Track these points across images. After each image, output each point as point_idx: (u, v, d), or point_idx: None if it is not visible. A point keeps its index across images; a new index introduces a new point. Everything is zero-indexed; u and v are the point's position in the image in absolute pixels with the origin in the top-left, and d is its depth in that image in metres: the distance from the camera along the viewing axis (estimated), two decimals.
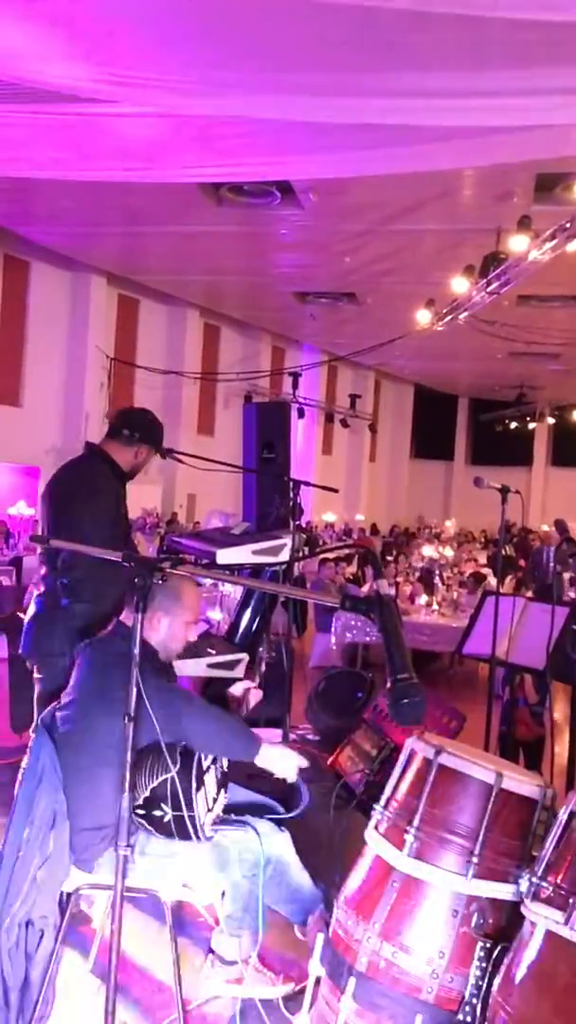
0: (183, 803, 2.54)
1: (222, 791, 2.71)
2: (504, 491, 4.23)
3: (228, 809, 2.77)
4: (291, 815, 3.07)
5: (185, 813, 2.54)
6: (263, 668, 3.23)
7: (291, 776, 2.75)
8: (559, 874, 1.90)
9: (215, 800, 2.68)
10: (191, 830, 2.56)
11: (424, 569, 11.24)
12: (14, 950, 2.51)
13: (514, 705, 5.27)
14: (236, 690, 3.18)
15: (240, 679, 4.51)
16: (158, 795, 2.53)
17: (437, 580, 10.09)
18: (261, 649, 3.31)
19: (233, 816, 2.76)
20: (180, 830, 2.57)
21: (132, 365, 18.10)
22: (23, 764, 2.67)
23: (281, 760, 2.73)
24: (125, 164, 8.00)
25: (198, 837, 2.57)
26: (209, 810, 2.63)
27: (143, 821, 2.55)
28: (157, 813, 2.55)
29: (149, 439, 3.86)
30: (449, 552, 13.59)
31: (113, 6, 5.40)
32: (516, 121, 6.46)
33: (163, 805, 2.55)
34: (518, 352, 17.66)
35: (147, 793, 2.52)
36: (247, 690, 3.18)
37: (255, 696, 3.17)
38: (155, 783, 2.53)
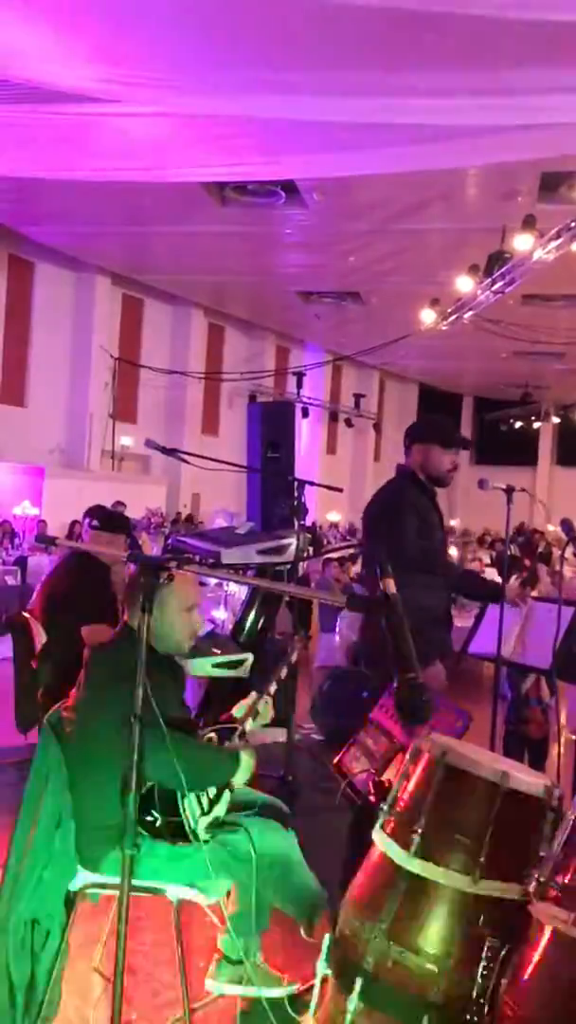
0: (171, 808, 2.54)
1: (224, 792, 2.70)
2: (509, 491, 4.18)
3: (233, 808, 2.76)
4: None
5: (176, 818, 2.54)
6: (289, 665, 3.07)
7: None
8: (567, 874, 1.89)
9: (212, 802, 2.67)
10: (184, 834, 2.56)
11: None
12: (20, 949, 2.51)
13: (526, 704, 5.27)
14: (239, 711, 2.94)
15: (244, 678, 4.51)
16: (146, 800, 2.53)
17: None
18: (289, 648, 3.20)
19: (230, 818, 2.75)
20: (173, 834, 2.57)
21: (136, 365, 18.11)
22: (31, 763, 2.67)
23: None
24: (129, 164, 8.02)
25: (193, 841, 2.57)
26: (205, 813, 2.63)
27: (138, 826, 2.55)
28: (148, 818, 2.55)
29: (418, 437, 3.89)
30: (454, 551, 13.57)
31: (118, 7, 5.40)
32: (521, 120, 6.46)
33: (153, 811, 2.55)
34: (523, 351, 17.65)
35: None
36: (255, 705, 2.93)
37: (266, 713, 2.94)
38: (143, 790, 2.52)
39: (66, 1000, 2.63)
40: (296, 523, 5.01)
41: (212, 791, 2.67)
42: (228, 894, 2.75)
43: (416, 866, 2.10)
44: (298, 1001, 2.71)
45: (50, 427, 16.30)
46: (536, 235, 10.00)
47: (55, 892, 2.57)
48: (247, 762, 2.69)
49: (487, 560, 15.63)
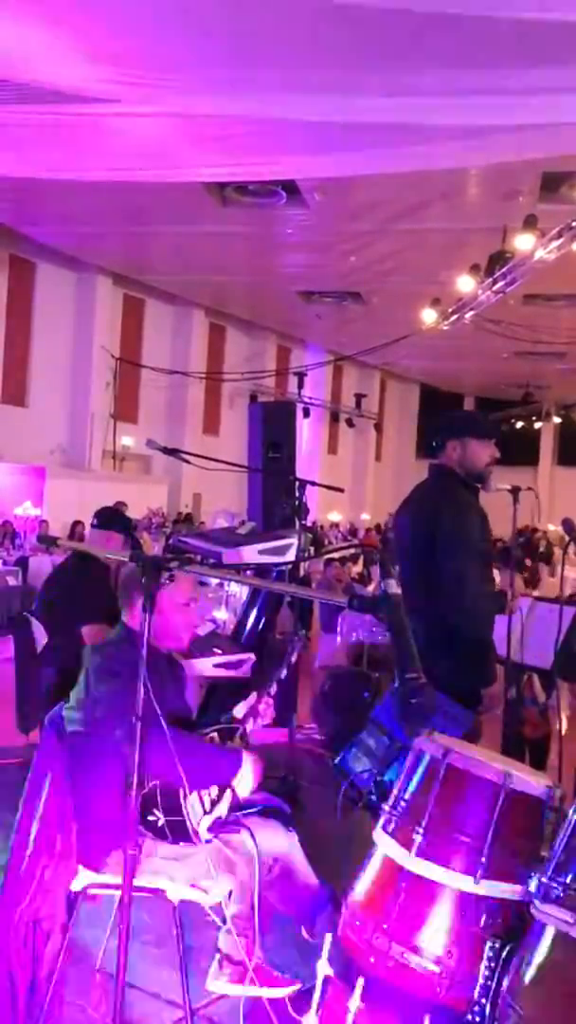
0: (173, 808, 2.54)
1: (226, 792, 2.70)
2: (515, 491, 4.14)
3: (235, 808, 2.76)
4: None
5: (178, 818, 2.54)
6: (289, 665, 3.05)
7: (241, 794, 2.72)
8: (568, 874, 1.89)
9: (214, 802, 2.66)
10: (186, 834, 2.56)
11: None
12: (21, 950, 2.51)
13: (521, 704, 5.26)
14: (239, 712, 2.96)
15: (245, 678, 4.51)
16: (148, 800, 2.53)
17: None
18: (290, 648, 3.19)
19: (232, 817, 2.75)
20: (175, 834, 2.57)
21: (137, 365, 18.13)
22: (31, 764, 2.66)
23: (246, 784, 2.69)
24: (130, 164, 8.02)
25: (195, 840, 2.57)
26: (206, 812, 2.63)
27: (140, 826, 2.55)
28: (151, 818, 2.55)
29: (452, 432, 3.70)
30: None
31: (119, 7, 5.40)
32: (522, 119, 6.46)
33: (155, 810, 2.55)
34: (524, 351, 17.65)
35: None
36: (257, 705, 2.96)
37: (267, 713, 2.97)
38: (145, 789, 2.52)
39: (68, 1001, 2.63)
40: (297, 523, 5.01)
41: (214, 790, 2.67)
42: (229, 894, 2.74)
43: (418, 866, 2.09)
44: (299, 1001, 2.70)
45: (51, 427, 16.31)
46: (537, 235, 10.00)
47: (57, 892, 2.57)
48: (249, 764, 2.69)
49: None
